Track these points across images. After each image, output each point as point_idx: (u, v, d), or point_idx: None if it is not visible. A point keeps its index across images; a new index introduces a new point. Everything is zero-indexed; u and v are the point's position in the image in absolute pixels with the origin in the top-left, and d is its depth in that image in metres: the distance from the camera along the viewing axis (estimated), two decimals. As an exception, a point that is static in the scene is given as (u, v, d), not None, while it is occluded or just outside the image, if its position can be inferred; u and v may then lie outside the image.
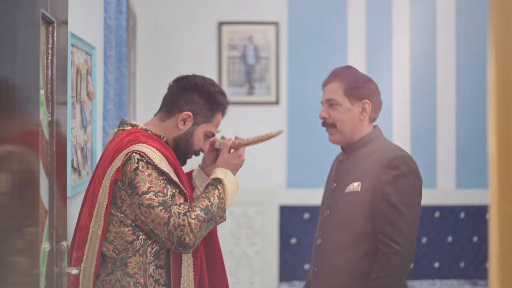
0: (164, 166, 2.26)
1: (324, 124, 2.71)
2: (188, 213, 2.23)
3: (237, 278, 5.01)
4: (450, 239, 4.97)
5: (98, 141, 3.19)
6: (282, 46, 5.01)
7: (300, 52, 5.02)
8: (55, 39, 1.91)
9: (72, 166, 2.60)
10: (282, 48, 5.01)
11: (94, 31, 3.12)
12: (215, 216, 2.29)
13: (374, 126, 2.73)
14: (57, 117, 1.96)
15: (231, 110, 4.86)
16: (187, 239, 2.20)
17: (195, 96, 2.45)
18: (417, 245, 4.77)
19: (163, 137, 2.44)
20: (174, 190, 2.26)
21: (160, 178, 2.24)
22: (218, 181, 2.36)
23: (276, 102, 5.00)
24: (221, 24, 4.94)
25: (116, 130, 2.45)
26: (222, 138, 2.55)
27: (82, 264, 2.26)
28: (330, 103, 2.69)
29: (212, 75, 4.86)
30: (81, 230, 2.30)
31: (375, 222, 2.53)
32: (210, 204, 2.28)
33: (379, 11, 5.02)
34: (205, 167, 2.59)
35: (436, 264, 4.97)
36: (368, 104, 2.68)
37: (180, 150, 2.45)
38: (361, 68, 4.93)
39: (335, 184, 2.70)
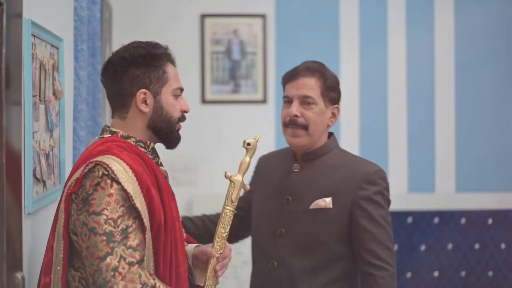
0: (131, 187, 1.91)
1: (290, 123, 2.44)
2: (135, 268, 1.83)
3: (222, 290, 4.70)
4: (450, 246, 4.73)
5: (68, 146, 2.84)
6: (269, 40, 4.75)
7: (289, 46, 4.75)
8: (4, 24, 1.56)
9: (35, 176, 2.25)
10: (270, 43, 4.75)
11: (62, 22, 2.78)
12: None
13: (330, 133, 2.53)
14: (9, 120, 1.62)
15: (215, 110, 4.67)
16: None
17: (133, 71, 2.10)
18: (416, 253, 4.65)
19: (149, 143, 2.12)
20: (129, 223, 1.88)
21: (121, 204, 1.88)
22: None
23: (264, 101, 4.73)
24: (203, 16, 4.68)
25: (97, 138, 2.13)
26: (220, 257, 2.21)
27: (49, 294, 1.94)
28: (305, 101, 2.43)
29: (194, 71, 4.68)
30: (47, 251, 1.97)
31: (351, 242, 2.38)
32: None
33: (373, 2, 4.78)
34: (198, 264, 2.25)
35: (436, 273, 4.71)
36: (338, 110, 2.50)
37: (163, 131, 2.12)
38: (355, 64, 4.73)
39: (290, 198, 2.43)
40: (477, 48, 4.82)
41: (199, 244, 2.27)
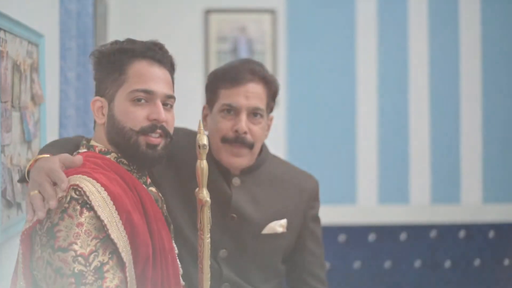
0: (105, 213, 1.57)
1: (237, 141, 2.05)
2: None
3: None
4: (477, 262, 4.45)
5: (51, 158, 2.50)
6: (280, 38, 4.48)
7: (301, 44, 4.48)
8: None
9: (5, 198, 1.90)
10: (280, 41, 4.48)
11: (44, 15, 2.45)
12: None
13: None
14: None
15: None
16: None
17: (96, 76, 1.82)
18: (440, 270, 4.33)
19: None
20: (105, 260, 1.54)
21: (93, 235, 1.54)
22: None
23: None
24: (208, 12, 4.43)
25: (75, 153, 1.79)
26: None
27: None
28: (253, 113, 2.07)
29: (197, 72, 4.40)
30: None
31: (298, 266, 2.22)
32: None
33: (392, -4, 4.52)
34: None
35: (462, 291, 4.46)
36: (272, 121, 2.21)
37: (120, 146, 1.74)
38: (373, 63, 4.45)
39: (235, 216, 2.09)
40: (507, 44, 4.54)
41: None
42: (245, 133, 2.05)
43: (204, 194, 1.77)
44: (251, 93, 2.06)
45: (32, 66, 2.19)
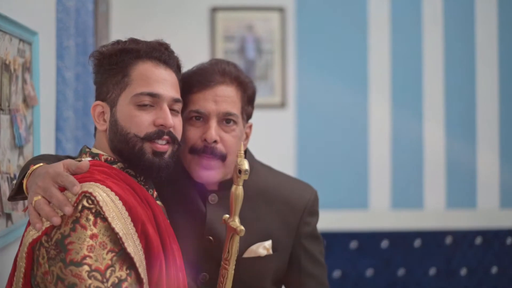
0: (120, 224, 1.44)
1: (205, 151, 1.83)
2: None
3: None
4: (494, 270, 4.32)
5: (47, 163, 2.36)
6: (288, 36, 4.36)
7: (310, 43, 4.36)
8: None
9: (-8, 208, 1.76)
10: (289, 39, 4.36)
11: (38, 11, 2.32)
12: None
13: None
14: None
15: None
16: None
17: (97, 79, 1.70)
18: (456, 278, 4.20)
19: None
20: (123, 275, 1.41)
21: (109, 248, 1.41)
22: None
23: (282, 105, 4.31)
24: (214, 10, 4.31)
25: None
26: None
27: None
28: (225, 119, 1.86)
29: None
30: None
31: (283, 281, 2.02)
32: None
33: (406, -8, 4.39)
34: None
35: (478, 301, 4.34)
36: (251, 129, 2.00)
37: (124, 154, 1.61)
38: (386, 62, 4.32)
39: (211, 239, 1.88)
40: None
41: None
42: (215, 142, 1.84)
43: (237, 222, 1.65)
44: (221, 97, 1.85)
45: (24, 65, 2.05)
